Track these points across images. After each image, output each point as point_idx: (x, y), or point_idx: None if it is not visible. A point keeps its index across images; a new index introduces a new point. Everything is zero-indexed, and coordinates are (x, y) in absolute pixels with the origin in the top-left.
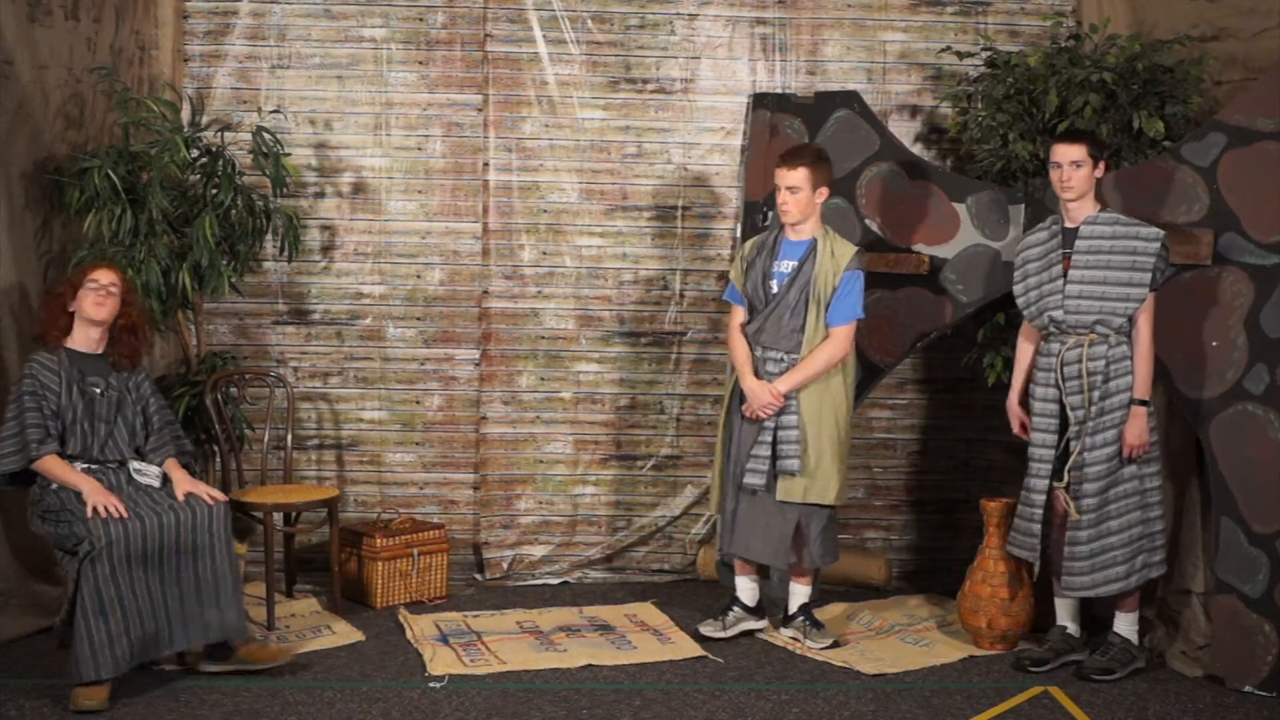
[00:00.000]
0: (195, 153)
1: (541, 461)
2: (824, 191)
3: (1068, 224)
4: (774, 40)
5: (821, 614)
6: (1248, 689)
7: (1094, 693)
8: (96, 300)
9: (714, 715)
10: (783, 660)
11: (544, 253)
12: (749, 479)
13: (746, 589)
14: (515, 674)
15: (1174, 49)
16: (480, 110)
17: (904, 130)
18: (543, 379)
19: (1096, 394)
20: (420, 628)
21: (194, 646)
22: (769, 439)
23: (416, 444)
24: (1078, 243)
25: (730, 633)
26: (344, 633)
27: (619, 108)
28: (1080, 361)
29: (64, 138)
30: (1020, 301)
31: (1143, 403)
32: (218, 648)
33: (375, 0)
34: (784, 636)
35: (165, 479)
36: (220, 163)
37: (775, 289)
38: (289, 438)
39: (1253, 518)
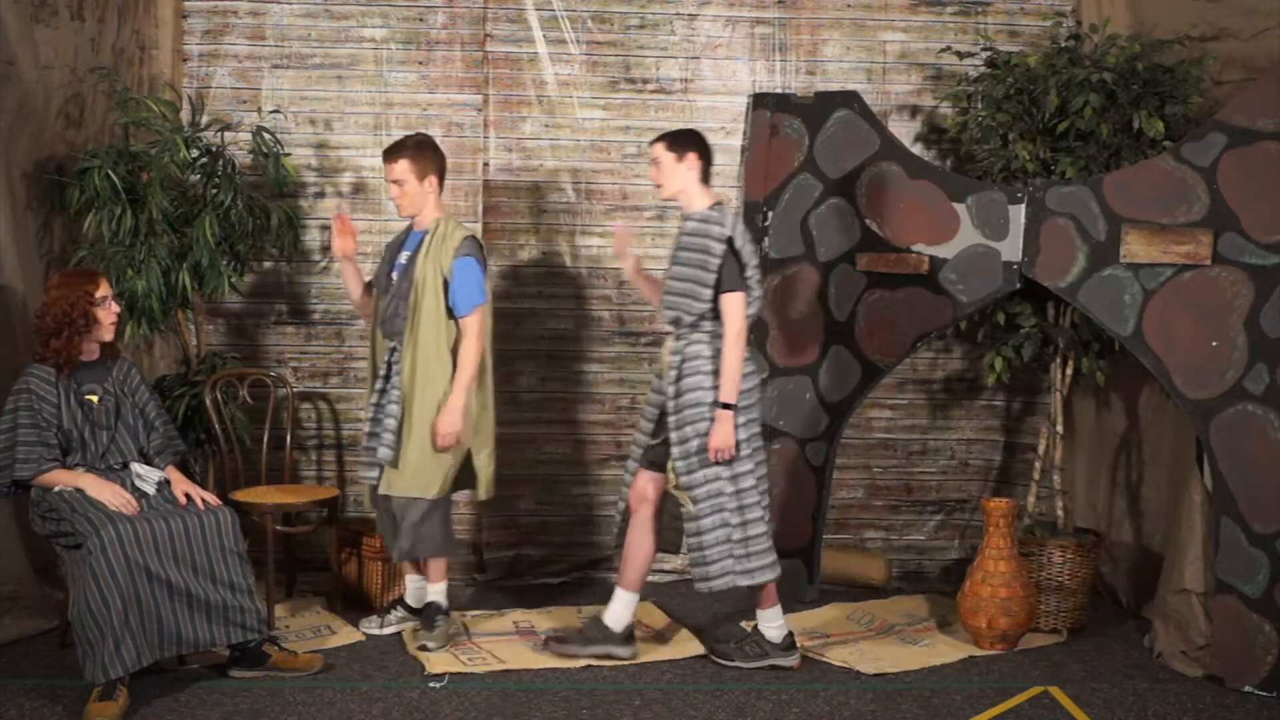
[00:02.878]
0: (195, 153)
1: (541, 461)
2: (433, 180)
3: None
4: (774, 40)
5: (822, 614)
6: (1248, 689)
7: (1094, 693)
8: (111, 319)
9: (714, 715)
10: None
11: (544, 253)
12: (360, 471)
13: (411, 591)
14: (515, 674)
15: (1174, 49)
16: (480, 110)
17: (904, 130)
18: (543, 379)
19: (672, 390)
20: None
21: (218, 648)
22: (374, 430)
23: None
24: (680, 238)
25: (387, 631)
26: (344, 633)
27: (619, 108)
28: (664, 356)
29: (64, 138)
30: None
31: (726, 406)
32: (248, 654)
33: (375, 0)
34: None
35: (163, 484)
36: (220, 163)
37: (394, 279)
38: (289, 438)
39: (1253, 517)
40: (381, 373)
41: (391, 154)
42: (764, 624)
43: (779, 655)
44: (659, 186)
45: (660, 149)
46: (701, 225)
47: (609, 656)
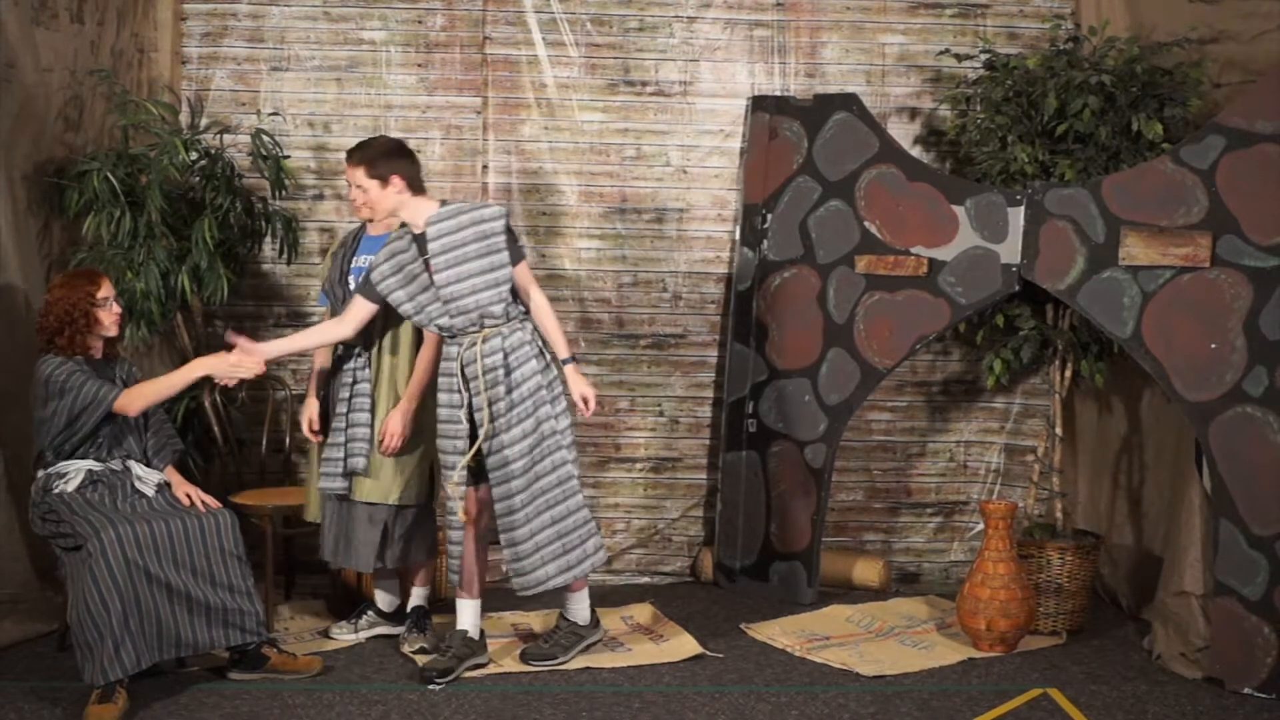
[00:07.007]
0: (194, 155)
1: None
2: (396, 181)
3: (415, 230)
4: (773, 43)
5: (821, 616)
6: (1247, 691)
7: (1093, 695)
8: (114, 319)
9: (713, 718)
10: (782, 663)
11: (543, 255)
12: (323, 483)
13: (381, 596)
14: (514, 676)
15: (1173, 51)
16: (479, 113)
17: (903, 133)
18: None
19: (501, 389)
20: None
21: (218, 651)
22: (340, 439)
23: None
24: (430, 245)
25: (361, 636)
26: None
27: (618, 110)
28: (477, 360)
29: (63, 140)
30: (408, 313)
31: (572, 359)
32: (248, 656)
33: (374, 2)
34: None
35: (163, 486)
36: (219, 165)
37: (352, 286)
38: (288, 440)
39: (1252, 520)
40: (347, 380)
41: (355, 159)
42: (576, 606)
43: (590, 634)
44: (362, 207)
45: (360, 176)
46: (466, 216)
47: (476, 666)
